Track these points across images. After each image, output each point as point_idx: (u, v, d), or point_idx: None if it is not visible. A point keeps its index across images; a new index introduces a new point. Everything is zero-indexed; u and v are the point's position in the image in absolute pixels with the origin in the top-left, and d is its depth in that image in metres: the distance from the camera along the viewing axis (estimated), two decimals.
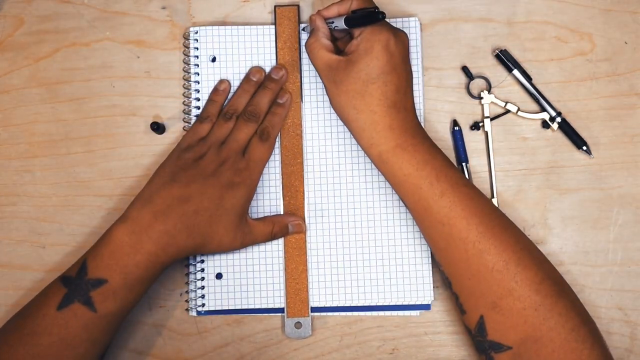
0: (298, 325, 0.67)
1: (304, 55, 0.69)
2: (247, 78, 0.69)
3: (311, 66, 0.69)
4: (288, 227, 0.67)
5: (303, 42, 0.69)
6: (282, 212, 0.68)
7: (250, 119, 0.66)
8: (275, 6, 0.70)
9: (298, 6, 0.70)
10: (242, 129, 0.66)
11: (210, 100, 0.68)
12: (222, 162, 0.64)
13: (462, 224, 0.59)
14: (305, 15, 0.70)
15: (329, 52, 0.63)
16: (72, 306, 0.58)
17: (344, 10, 0.63)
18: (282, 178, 0.68)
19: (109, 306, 0.59)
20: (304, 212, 0.68)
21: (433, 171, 0.60)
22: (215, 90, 0.69)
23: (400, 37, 0.61)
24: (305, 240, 0.67)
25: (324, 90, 0.67)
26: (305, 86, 0.69)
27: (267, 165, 0.68)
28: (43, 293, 0.60)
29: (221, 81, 0.69)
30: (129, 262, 0.59)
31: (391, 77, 0.60)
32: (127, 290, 0.60)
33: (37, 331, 0.58)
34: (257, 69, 0.69)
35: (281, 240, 0.68)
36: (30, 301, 0.61)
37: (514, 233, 0.60)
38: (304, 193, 0.68)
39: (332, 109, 0.66)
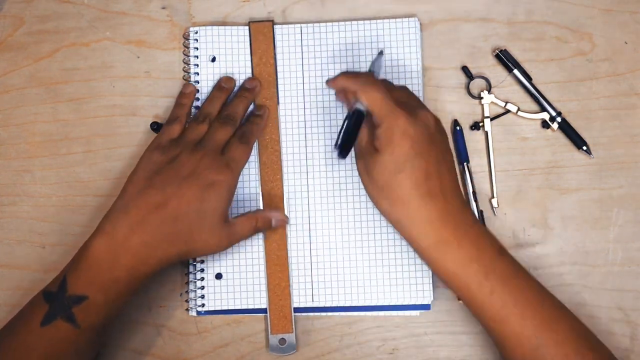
0: (282, 341, 0.67)
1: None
2: (218, 86, 0.68)
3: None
4: (271, 221, 0.66)
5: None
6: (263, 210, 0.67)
7: (227, 122, 0.65)
8: (249, 22, 0.69)
9: (272, 21, 0.69)
10: (219, 130, 0.64)
11: (177, 103, 0.68)
12: (200, 159, 0.61)
13: (515, 320, 0.57)
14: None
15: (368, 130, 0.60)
16: (55, 323, 0.57)
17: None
18: (262, 195, 0.68)
19: (91, 321, 0.58)
20: (285, 228, 0.67)
21: (481, 268, 0.57)
22: (182, 93, 0.68)
23: (421, 119, 0.59)
24: (287, 257, 0.67)
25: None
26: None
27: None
28: (27, 308, 0.60)
29: (186, 85, 0.68)
30: (108, 278, 0.58)
31: (418, 163, 0.57)
32: (109, 305, 0.59)
33: (22, 348, 0.57)
34: (227, 78, 0.68)
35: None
36: (15, 316, 0.60)
37: (569, 321, 0.58)
38: (284, 209, 0.68)
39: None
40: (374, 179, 0.59)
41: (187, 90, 0.68)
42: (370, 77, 0.61)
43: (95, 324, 0.59)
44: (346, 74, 0.62)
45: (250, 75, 0.69)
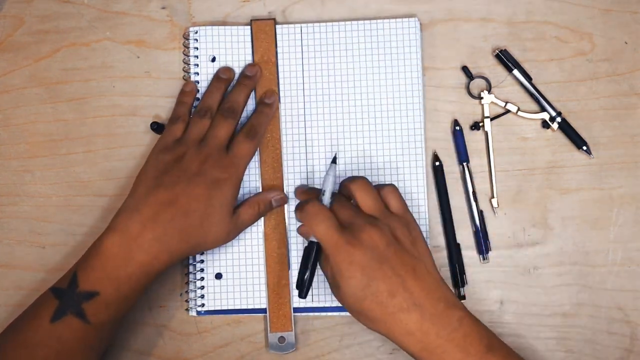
0: (282, 339, 0.67)
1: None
2: (216, 76, 0.68)
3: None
4: (272, 202, 0.66)
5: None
6: (262, 223, 0.67)
7: (229, 115, 0.65)
8: (251, 20, 0.69)
9: (274, 20, 0.69)
10: (221, 125, 0.65)
11: (178, 102, 0.68)
12: (205, 159, 0.62)
13: None
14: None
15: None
16: (65, 318, 0.58)
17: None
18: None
19: (102, 317, 0.58)
20: (285, 224, 0.67)
21: None
22: (182, 91, 0.68)
23: (365, 241, 0.57)
24: (287, 255, 0.67)
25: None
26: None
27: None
28: (36, 304, 0.60)
29: (187, 83, 0.68)
30: (121, 274, 0.59)
31: (376, 286, 0.56)
32: (119, 301, 0.59)
33: (32, 343, 0.57)
34: (226, 68, 0.68)
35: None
36: (24, 312, 0.60)
37: None
38: (284, 207, 0.68)
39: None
40: (347, 306, 0.59)
41: (188, 88, 0.68)
42: (314, 207, 0.59)
43: (105, 320, 0.59)
44: (298, 206, 0.61)
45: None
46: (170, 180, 0.61)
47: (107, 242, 0.59)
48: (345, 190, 0.62)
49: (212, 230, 0.62)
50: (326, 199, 0.61)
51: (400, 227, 0.60)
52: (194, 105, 0.68)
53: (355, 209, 0.60)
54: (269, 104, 0.67)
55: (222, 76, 0.68)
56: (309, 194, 0.65)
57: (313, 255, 0.60)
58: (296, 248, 0.68)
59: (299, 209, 0.61)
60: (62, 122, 0.70)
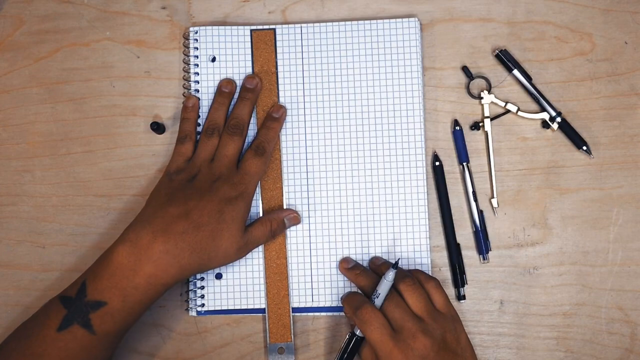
0: (281, 350, 0.67)
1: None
2: (219, 91, 0.68)
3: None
4: (284, 221, 0.67)
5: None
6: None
7: (235, 132, 0.66)
8: (251, 30, 0.69)
9: (274, 30, 0.69)
10: (228, 143, 0.65)
11: (183, 119, 0.68)
12: (216, 178, 0.63)
13: None
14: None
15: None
16: (72, 328, 0.58)
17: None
18: (262, 203, 0.68)
19: (107, 328, 0.59)
20: (284, 235, 0.68)
21: None
22: (185, 107, 0.68)
23: (418, 349, 0.59)
24: (286, 265, 0.67)
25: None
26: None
27: None
28: (44, 312, 0.60)
29: (189, 97, 0.68)
30: (128, 285, 0.59)
31: None
32: (125, 312, 0.59)
33: (38, 352, 0.58)
34: (227, 81, 0.68)
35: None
36: (31, 319, 0.60)
37: None
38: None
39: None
40: None
41: (190, 103, 0.68)
42: (368, 313, 0.61)
43: (111, 330, 0.59)
44: (347, 298, 0.64)
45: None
46: (184, 196, 0.62)
47: (117, 252, 0.59)
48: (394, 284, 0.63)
49: (223, 245, 0.62)
50: (379, 301, 0.62)
51: (447, 326, 0.61)
52: (198, 105, 0.68)
53: (406, 309, 0.61)
54: (276, 118, 0.68)
55: (225, 90, 0.68)
56: (356, 276, 0.66)
57: (354, 347, 0.63)
58: (296, 249, 0.68)
59: (348, 302, 0.63)
60: (62, 122, 0.70)
